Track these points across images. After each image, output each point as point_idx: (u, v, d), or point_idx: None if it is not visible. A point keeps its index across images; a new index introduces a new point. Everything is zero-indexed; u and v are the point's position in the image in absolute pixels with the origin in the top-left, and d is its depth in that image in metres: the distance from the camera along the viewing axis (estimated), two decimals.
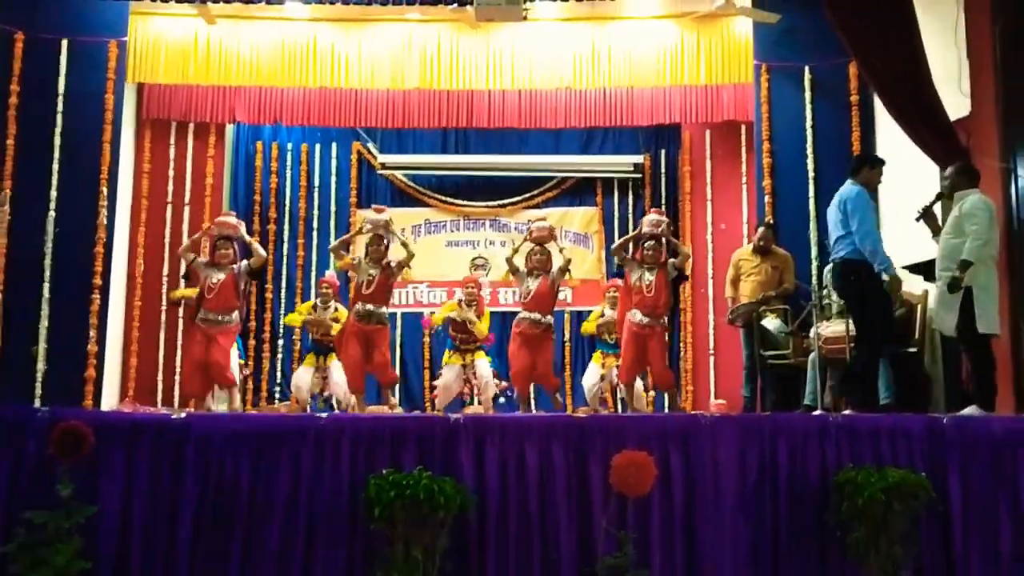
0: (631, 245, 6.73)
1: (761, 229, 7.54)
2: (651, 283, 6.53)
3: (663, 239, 6.69)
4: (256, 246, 6.80)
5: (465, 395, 8.10)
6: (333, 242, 7.87)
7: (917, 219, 5.65)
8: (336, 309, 8.02)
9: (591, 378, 8.13)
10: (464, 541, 3.98)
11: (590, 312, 8.60)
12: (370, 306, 6.66)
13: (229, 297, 6.56)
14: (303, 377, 7.98)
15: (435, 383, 8.47)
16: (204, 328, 6.55)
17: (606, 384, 8.15)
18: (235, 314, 6.64)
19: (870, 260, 5.40)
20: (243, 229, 6.87)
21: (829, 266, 6.14)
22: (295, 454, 4.05)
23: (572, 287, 9.59)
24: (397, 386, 8.44)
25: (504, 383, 7.81)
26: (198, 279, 6.66)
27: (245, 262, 6.68)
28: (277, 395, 9.38)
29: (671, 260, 6.65)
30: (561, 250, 7.01)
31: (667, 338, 7.10)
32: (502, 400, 8.07)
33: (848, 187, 5.59)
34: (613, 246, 7.01)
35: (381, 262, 6.78)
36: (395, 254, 6.88)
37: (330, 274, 8.54)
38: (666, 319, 6.78)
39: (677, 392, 7.54)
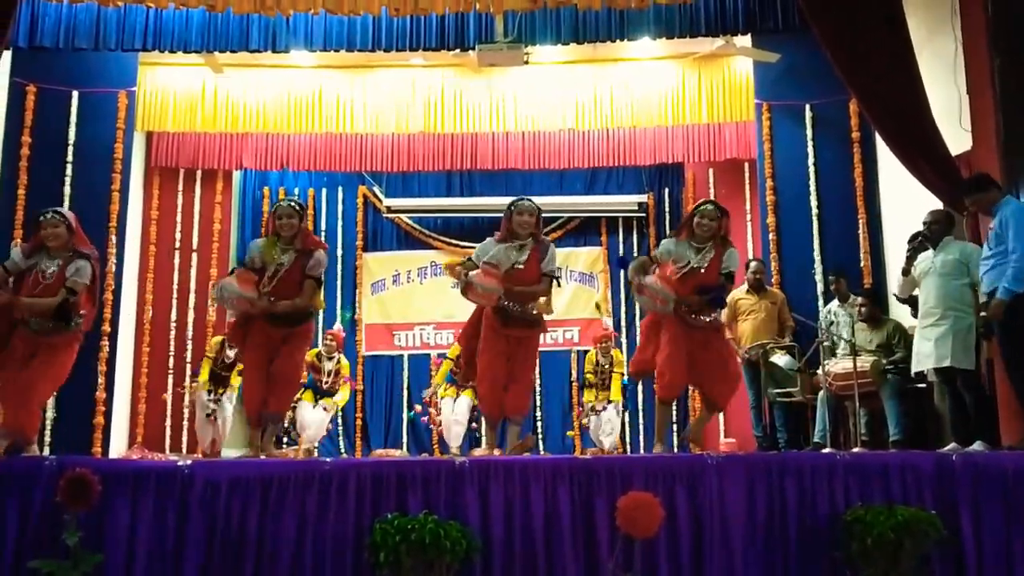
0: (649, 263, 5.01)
1: (754, 263, 7.52)
2: (709, 261, 4.84)
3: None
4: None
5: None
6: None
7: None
8: (338, 360, 8.32)
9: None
10: None
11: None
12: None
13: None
14: (310, 415, 8.07)
15: (434, 412, 8.62)
16: (30, 336, 4.78)
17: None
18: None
19: None
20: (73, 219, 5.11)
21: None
22: (300, 500, 4.02)
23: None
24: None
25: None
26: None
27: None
28: (285, 440, 9.34)
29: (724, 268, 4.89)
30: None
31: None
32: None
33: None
34: (632, 265, 5.09)
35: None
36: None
37: (337, 327, 8.68)
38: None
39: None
